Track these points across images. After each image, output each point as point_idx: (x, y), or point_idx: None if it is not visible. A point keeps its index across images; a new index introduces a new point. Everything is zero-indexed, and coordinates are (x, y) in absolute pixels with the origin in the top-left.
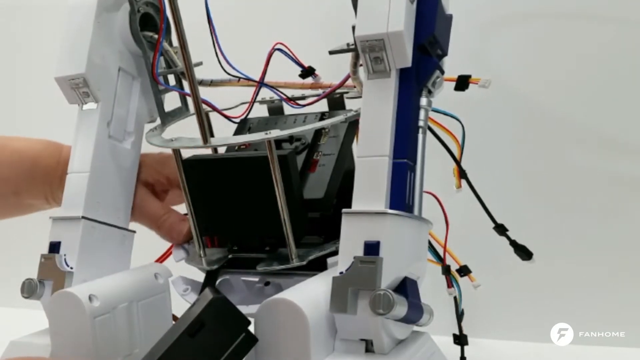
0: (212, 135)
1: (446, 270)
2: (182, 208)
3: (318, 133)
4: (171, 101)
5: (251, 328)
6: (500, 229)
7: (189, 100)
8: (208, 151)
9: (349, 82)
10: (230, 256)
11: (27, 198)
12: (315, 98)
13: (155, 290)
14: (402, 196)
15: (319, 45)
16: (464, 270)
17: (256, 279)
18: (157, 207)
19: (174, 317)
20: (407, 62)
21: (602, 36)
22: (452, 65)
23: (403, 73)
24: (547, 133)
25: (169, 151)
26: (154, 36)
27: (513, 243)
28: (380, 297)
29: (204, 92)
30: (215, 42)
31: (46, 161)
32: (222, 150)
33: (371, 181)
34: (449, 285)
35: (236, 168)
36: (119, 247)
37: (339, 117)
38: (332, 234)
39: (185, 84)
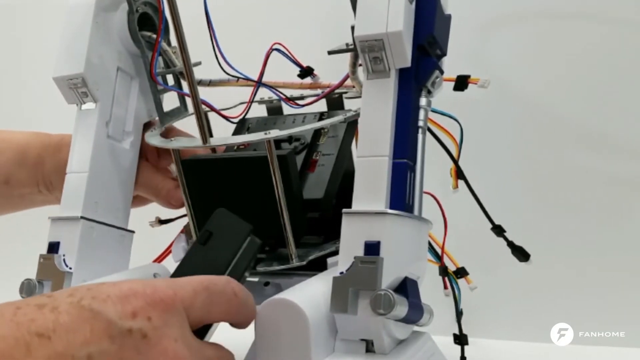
0: (211, 135)
1: (443, 271)
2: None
3: (317, 133)
4: (170, 101)
5: (251, 328)
6: (498, 230)
7: (188, 100)
8: (207, 151)
9: (348, 82)
10: None
11: (18, 187)
12: (314, 98)
13: None
14: (402, 196)
15: (318, 45)
16: (460, 272)
17: (256, 279)
18: (153, 174)
19: None
20: (407, 62)
21: (601, 36)
22: (451, 65)
23: (402, 73)
24: (546, 133)
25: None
26: (153, 36)
27: (510, 244)
28: (380, 297)
29: (203, 92)
30: (214, 41)
31: (35, 146)
32: (221, 150)
33: (371, 181)
34: (446, 286)
35: (235, 168)
36: (117, 247)
37: (338, 117)
38: (332, 234)
39: (184, 84)
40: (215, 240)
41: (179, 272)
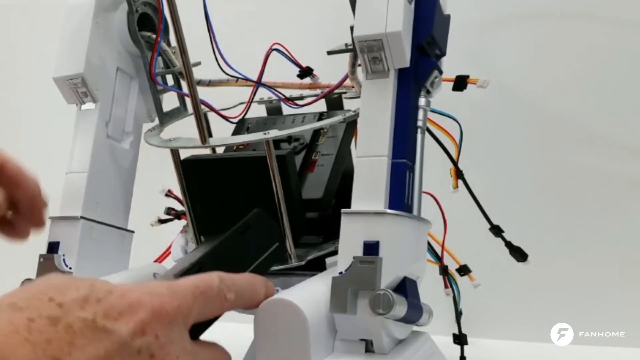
0: (210, 135)
1: (444, 270)
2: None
3: (316, 133)
4: (169, 101)
5: (251, 328)
6: (496, 230)
7: (187, 100)
8: (206, 151)
9: (347, 82)
10: None
11: None
12: (313, 98)
13: None
14: (401, 196)
15: (317, 45)
16: (463, 270)
17: None
18: None
19: None
20: (406, 62)
21: (602, 36)
22: (451, 65)
23: (401, 73)
24: (545, 133)
25: None
26: (152, 36)
27: (508, 244)
28: (380, 297)
29: (202, 92)
30: (213, 42)
31: None
32: (220, 150)
33: (370, 181)
34: (446, 285)
35: (234, 168)
36: (117, 247)
37: (338, 118)
38: (331, 234)
39: (184, 84)
40: (249, 236)
41: (213, 253)
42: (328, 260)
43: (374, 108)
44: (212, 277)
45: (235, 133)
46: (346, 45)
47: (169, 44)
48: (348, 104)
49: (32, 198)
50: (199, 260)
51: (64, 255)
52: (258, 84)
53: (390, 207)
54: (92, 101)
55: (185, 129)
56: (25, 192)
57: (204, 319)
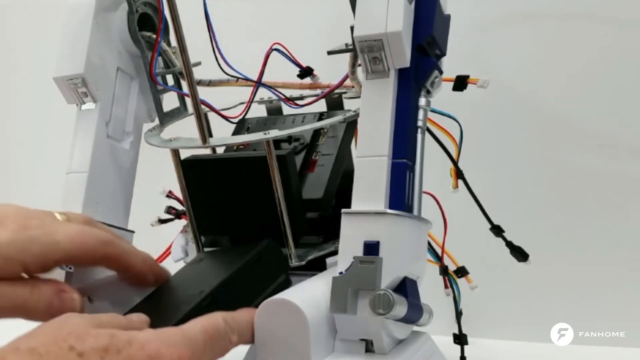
0: (210, 135)
1: (444, 270)
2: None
3: (317, 133)
4: (170, 101)
5: None
6: (497, 230)
7: (188, 100)
8: (207, 151)
9: (348, 82)
10: None
11: None
12: (313, 98)
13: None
14: (401, 196)
15: (317, 45)
16: (461, 272)
17: None
18: (17, 292)
19: None
20: (406, 62)
21: (602, 36)
22: (451, 65)
23: (402, 73)
24: (545, 133)
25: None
26: (152, 36)
27: (509, 244)
28: (380, 297)
29: (203, 92)
30: (213, 42)
31: None
32: (220, 150)
33: (370, 181)
34: (446, 285)
35: (235, 168)
36: None
37: (338, 117)
38: (331, 234)
39: (184, 84)
40: (259, 266)
41: (226, 284)
42: (328, 260)
43: (374, 108)
44: (218, 320)
45: (235, 133)
46: (346, 45)
47: (169, 44)
48: (348, 104)
49: (138, 278)
50: (211, 292)
51: None
52: (258, 84)
53: (390, 207)
54: (92, 101)
55: (185, 129)
56: (130, 275)
57: None
